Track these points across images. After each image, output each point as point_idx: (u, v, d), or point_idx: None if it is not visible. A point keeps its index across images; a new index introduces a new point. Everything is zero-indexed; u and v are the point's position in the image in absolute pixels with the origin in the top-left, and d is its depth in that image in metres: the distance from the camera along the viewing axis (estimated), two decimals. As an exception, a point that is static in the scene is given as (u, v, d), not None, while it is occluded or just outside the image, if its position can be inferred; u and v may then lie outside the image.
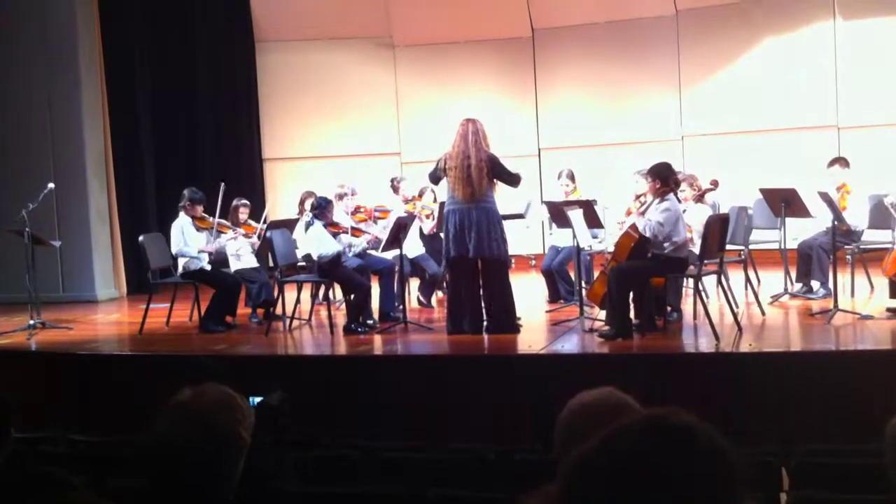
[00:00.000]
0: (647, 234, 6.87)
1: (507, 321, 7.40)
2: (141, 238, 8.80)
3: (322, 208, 8.25)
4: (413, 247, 9.12)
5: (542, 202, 10.14)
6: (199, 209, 8.56)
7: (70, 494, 1.84)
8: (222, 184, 8.59)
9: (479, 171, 7.19)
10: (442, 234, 9.46)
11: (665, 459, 1.20)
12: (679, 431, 1.24)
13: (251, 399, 3.16)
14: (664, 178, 6.99)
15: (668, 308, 7.50)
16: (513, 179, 7.42)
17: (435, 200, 9.52)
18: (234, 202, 9.05)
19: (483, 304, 7.41)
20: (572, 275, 8.75)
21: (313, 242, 8.14)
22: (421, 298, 9.37)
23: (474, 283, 7.39)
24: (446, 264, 7.63)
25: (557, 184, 9.41)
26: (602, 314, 7.40)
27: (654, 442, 1.22)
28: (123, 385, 7.17)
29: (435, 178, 7.63)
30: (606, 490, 1.20)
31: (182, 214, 8.50)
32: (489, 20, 12.30)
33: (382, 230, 8.67)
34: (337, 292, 9.15)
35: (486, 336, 7.34)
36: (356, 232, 8.54)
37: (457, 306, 7.48)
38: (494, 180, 7.32)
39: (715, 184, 8.16)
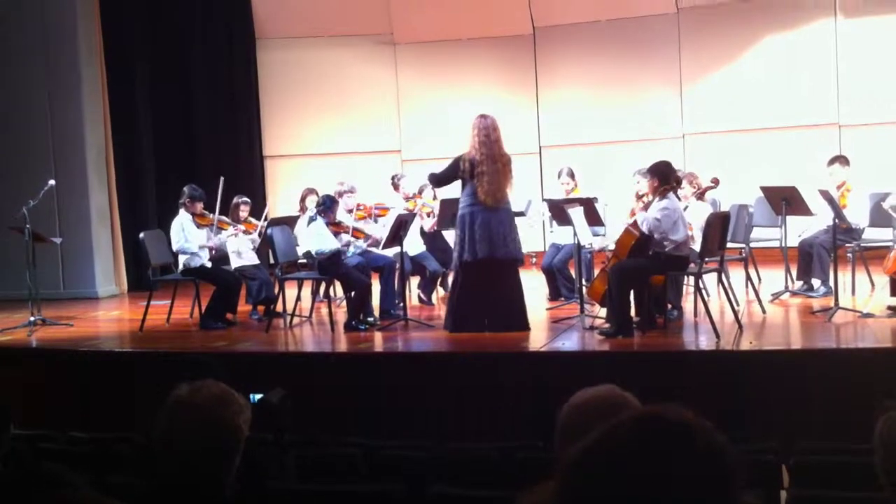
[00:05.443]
0: (644, 229, 6.88)
1: (523, 318, 7.42)
2: (141, 235, 8.82)
3: (327, 207, 8.29)
4: (414, 244, 9.12)
5: (542, 200, 10.13)
6: (199, 206, 8.57)
7: (73, 493, 1.84)
8: (221, 179, 8.58)
9: (505, 175, 7.25)
10: (445, 233, 9.50)
11: (662, 457, 1.20)
12: (676, 428, 1.23)
13: (251, 396, 3.16)
14: (663, 177, 6.98)
15: (669, 306, 7.50)
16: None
17: (435, 198, 9.51)
18: (235, 200, 9.05)
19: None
20: (573, 272, 8.75)
21: (312, 238, 8.16)
22: (421, 296, 9.36)
23: (500, 284, 7.37)
24: (462, 264, 7.38)
25: (558, 182, 9.41)
26: (603, 312, 7.40)
27: (650, 439, 1.22)
28: (124, 382, 7.17)
29: (446, 180, 7.56)
30: (603, 487, 1.20)
31: (182, 211, 8.51)
32: (490, 18, 12.29)
33: (382, 228, 8.67)
34: (338, 289, 9.15)
35: (486, 334, 7.33)
36: (357, 233, 8.53)
37: (469, 306, 7.41)
38: None
39: (716, 182, 8.15)
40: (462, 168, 7.29)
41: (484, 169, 7.20)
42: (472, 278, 7.36)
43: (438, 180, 7.72)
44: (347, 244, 8.33)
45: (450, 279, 9.67)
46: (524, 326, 7.39)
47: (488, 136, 7.25)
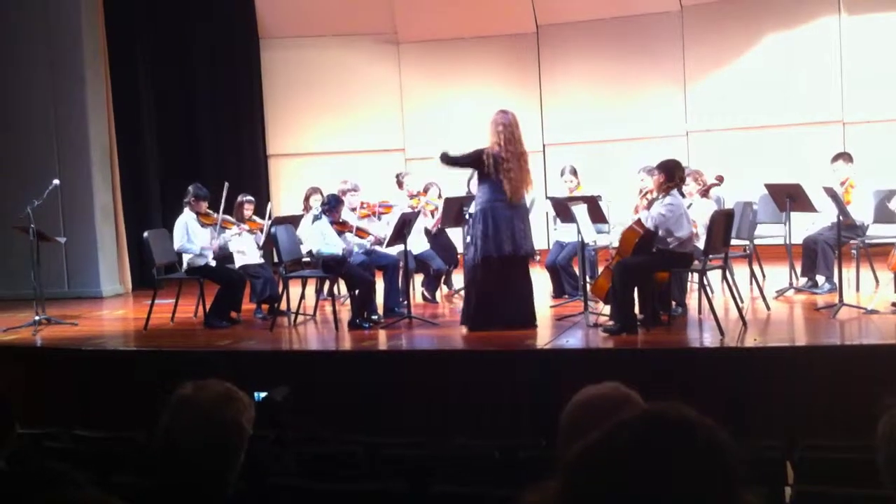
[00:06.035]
0: (649, 225, 6.87)
1: (533, 312, 7.46)
2: (145, 234, 8.84)
3: (331, 206, 8.30)
4: (418, 242, 9.11)
5: (546, 198, 10.12)
6: (204, 205, 8.58)
7: (76, 492, 1.84)
8: (225, 185, 8.57)
9: (527, 171, 7.30)
10: (449, 231, 9.51)
11: (664, 454, 1.20)
12: (678, 426, 1.23)
13: (255, 394, 3.17)
14: (669, 174, 6.98)
15: (673, 303, 7.49)
16: None
17: (440, 196, 9.51)
18: (239, 198, 9.05)
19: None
20: (577, 270, 8.74)
21: (317, 237, 8.16)
22: (425, 294, 9.36)
23: (516, 279, 7.38)
24: (483, 260, 7.28)
25: (561, 180, 9.40)
26: (606, 309, 7.39)
27: (653, 437, 1.22)
28: (128, 381, 7.18)
29: (458, 164, 7.46)
30: (606, 484, 1.20)
31: (186, 210, 8.52)
32: (493, 16, 12.27)
33: (386, 227, 8.66)
34: (341, 288, 9.15)
35: (492, 332, 7.32)
36: (361, 233, 8.53)
37: (488, 303, 7.37)
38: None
39: (720, 179, 8.14)
40: (486, 163, 7.22)
41: (511, 166, 7.18)
42: (491, 274, 7.30)
43: (451, 161, 7.43)
44: (350, 251, 8.31)
45: (453, 277, 9.70)
46: (533, 320, 7.41)
47: (513, 133, 7.26)
